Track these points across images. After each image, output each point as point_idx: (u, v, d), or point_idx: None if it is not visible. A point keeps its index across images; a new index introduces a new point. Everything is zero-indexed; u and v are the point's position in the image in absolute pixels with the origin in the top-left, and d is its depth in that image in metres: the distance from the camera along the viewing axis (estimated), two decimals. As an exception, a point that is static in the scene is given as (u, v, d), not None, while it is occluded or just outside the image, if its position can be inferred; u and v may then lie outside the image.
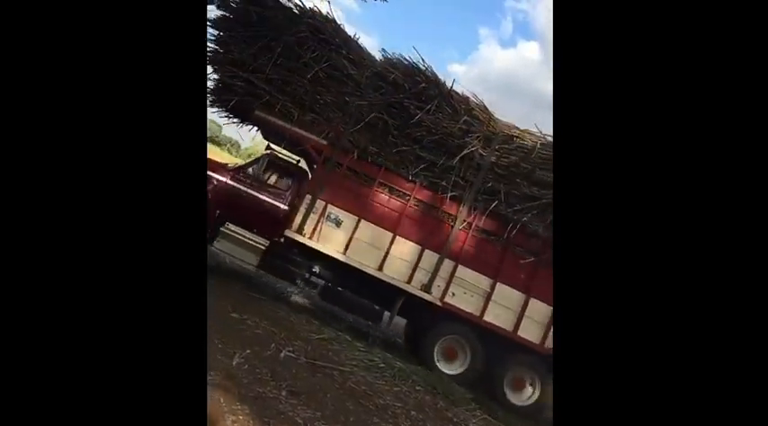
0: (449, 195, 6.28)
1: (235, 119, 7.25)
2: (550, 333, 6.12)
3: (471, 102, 6.50)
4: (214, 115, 7.05)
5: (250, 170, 6.84)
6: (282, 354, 4.66)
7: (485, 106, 6.57)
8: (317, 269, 6.60)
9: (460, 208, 6.30)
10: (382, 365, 5.49)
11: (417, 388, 5.29)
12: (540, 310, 6.19)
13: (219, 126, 28.71)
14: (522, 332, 6.17)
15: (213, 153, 20.84)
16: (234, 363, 4.05)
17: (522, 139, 6.37)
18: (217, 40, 6.45)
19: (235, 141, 33.19)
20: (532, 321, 6.19)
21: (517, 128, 6.55)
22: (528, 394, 6.24)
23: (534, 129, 6.52)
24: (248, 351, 4.37)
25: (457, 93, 6.51)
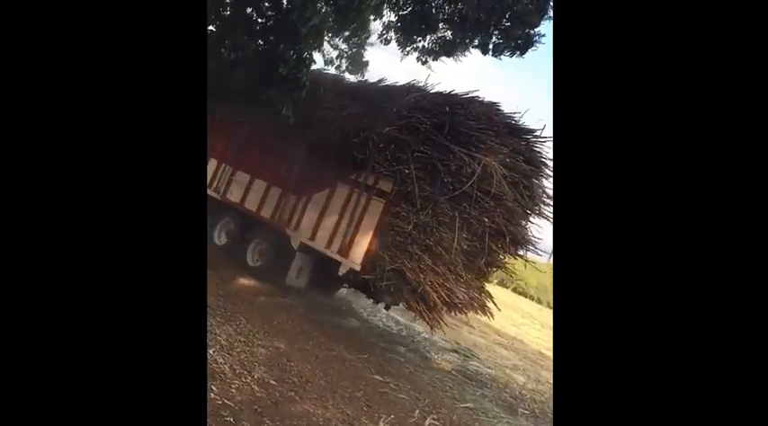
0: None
1: None
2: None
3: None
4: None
5: None
6: (427, 422, 4.46)
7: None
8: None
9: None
10: (534, 441, 5.03)
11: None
12: (275, 193, 8.06)
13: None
14: (262, 212, 8.20)
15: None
16: (379, 428, 3.95)
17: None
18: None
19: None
20: (269, 202, 8.10)
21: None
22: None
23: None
24: (392, 417, 4.24)
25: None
